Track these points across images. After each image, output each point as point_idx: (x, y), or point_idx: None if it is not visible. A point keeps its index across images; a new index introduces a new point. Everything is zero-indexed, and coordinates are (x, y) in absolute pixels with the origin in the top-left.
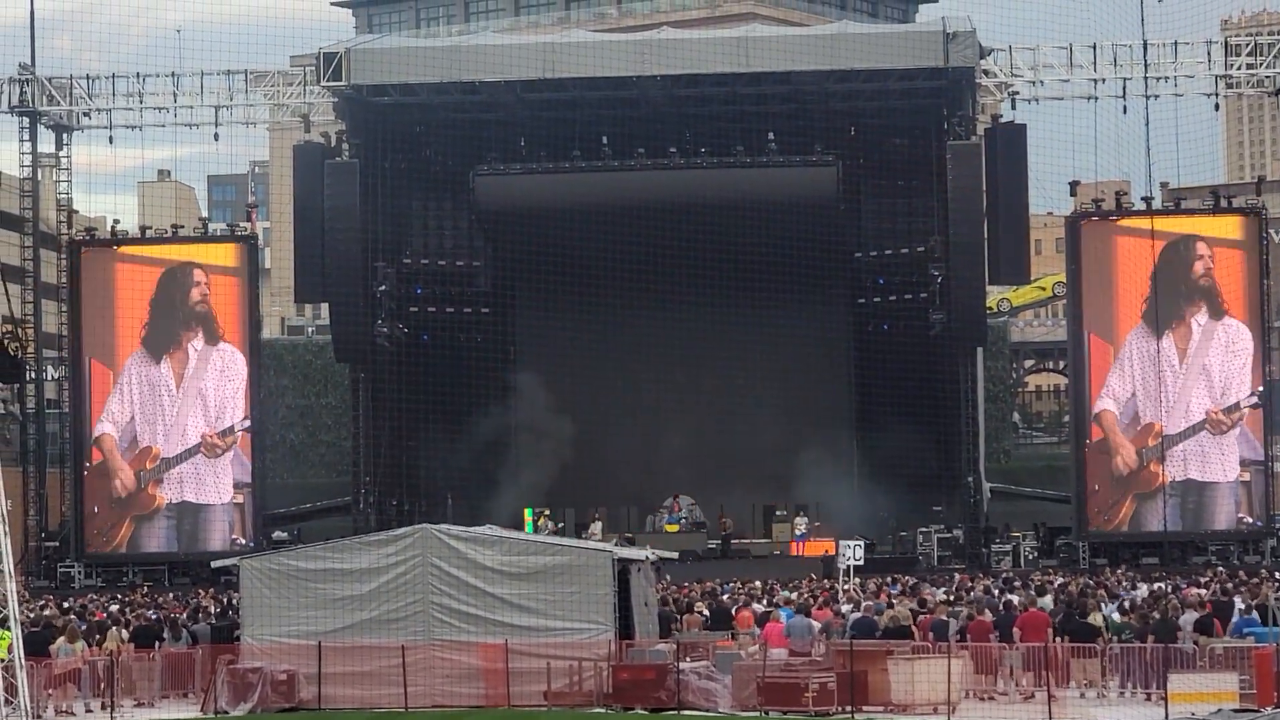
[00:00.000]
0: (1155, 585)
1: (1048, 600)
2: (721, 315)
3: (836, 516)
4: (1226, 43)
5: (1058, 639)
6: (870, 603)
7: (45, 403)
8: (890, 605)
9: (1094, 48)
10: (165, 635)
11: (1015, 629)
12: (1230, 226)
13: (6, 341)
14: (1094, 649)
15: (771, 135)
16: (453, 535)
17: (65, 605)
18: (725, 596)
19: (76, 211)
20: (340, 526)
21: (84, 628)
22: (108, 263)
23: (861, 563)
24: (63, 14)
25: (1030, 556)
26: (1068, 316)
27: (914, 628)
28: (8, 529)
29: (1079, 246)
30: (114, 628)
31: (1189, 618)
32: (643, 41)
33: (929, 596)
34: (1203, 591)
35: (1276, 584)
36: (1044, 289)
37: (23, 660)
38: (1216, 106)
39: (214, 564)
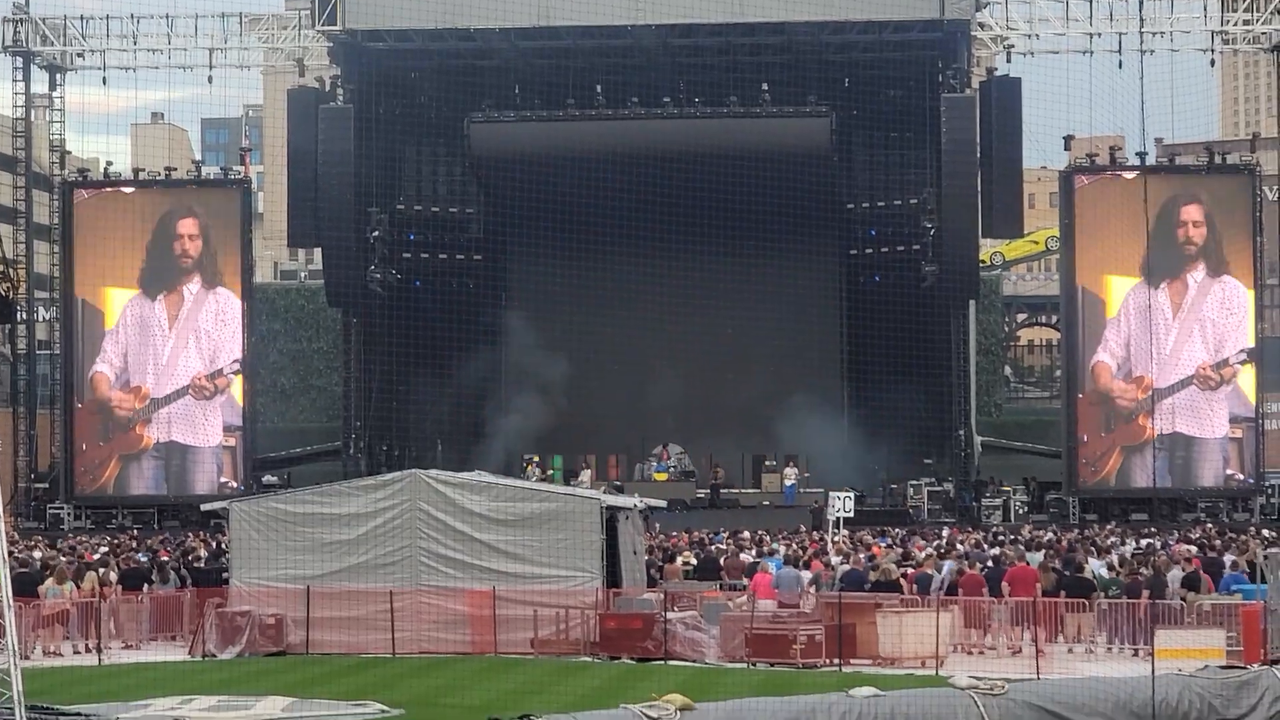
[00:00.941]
0: (1144, 541)
1: (1037, 555)
2: (713, 265)
3: (827, 468)
4: None
5: (1060, 593)
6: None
7: (36, 344)
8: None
9: (1090, 2)
10: (154, 578)
11: (1004, 583)
12: (1225, 183)
13: None
14: (1083, 604)
15: (765, 86)
16: (442, 481)
17: (56, 546)
18: (713, 548)
19: (69, 153)
20: (330, 471)
21: (74, 569)
22: (100, 204)
23: (851, 515)
24: None
25: (1020, 511)
26: (1060, 271)
27: (900, 580)
28: None
29: (1072, 201)
30: (91, 570)
31: (1176, 574)
32: None
33: (918, 550)
34: (1191, 548)
35: (1265, 541)
36: (1037, 243)
37: (10, 601)
38: (1212, 62)
39: (204, 507)
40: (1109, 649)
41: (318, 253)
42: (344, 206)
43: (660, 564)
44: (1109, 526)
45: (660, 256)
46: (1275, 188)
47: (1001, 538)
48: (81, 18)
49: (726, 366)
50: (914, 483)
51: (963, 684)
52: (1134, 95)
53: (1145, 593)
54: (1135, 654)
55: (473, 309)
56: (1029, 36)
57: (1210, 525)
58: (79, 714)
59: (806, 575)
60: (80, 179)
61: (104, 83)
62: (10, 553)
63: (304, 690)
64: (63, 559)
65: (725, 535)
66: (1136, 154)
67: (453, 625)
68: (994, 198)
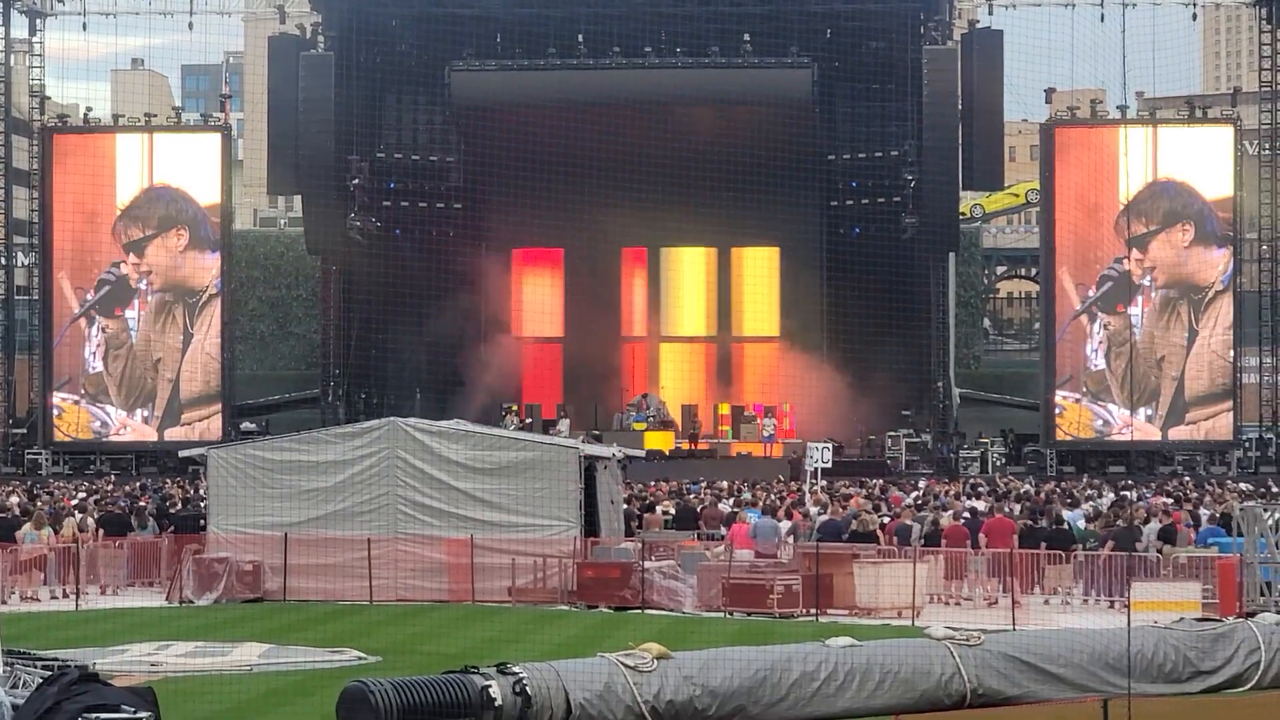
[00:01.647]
0: (1120, 493)
1: (1015, 507)
2: (694, 217)
3: (805, 419)
4: None
5: (1036, 543)
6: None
7: (15, 289)
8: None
9: None
10: (133, 524)
11: (981, 534)
12: (1205, 137)
13: None
14: (1059, 555)
15: (747, 36)
16: (421, 429)
17: (33, 493)
18: (692, 497)
19: (49, 98)
20: (308, 419)
21: (51, 514)
22: (80, 149)
23: (830, 465)
24: None
25: (998, 463)
26: (1040, 223)
27: (877, 531)
28: None
29: (1053, 154)
30: (69, 516)
31: (1153, 527)
32: None
33: (898, 500)
34: (1168, 501)
35: (1242, 495)
36: (1017, 195)
37: None
38: (1194, 16)
39: (182, 453)
40: (1085, 601)
41: (297, 200)
42: (324, 154)
43: (639, 513)
44: (1086, 479)
45: (641, 206)
46: (1256, 142)
47: (981, 489)
48: None
49: (709, 316)
50: (892, 434)
51: (939, 634)
52: (1115, 49)
53: (1110, 544)
54: (1111, 606)
55: (452, 257)
56: None
57: (1187, 478)
58: (55, 660)
59: (784, 525)
60: (60, 125)
61: (84, 28)
62: None
63: (281, 637)
64: (40, 504)
65: (703, 485)
66: (1118, 107)
67: (430, 573)
68: (975, 150)
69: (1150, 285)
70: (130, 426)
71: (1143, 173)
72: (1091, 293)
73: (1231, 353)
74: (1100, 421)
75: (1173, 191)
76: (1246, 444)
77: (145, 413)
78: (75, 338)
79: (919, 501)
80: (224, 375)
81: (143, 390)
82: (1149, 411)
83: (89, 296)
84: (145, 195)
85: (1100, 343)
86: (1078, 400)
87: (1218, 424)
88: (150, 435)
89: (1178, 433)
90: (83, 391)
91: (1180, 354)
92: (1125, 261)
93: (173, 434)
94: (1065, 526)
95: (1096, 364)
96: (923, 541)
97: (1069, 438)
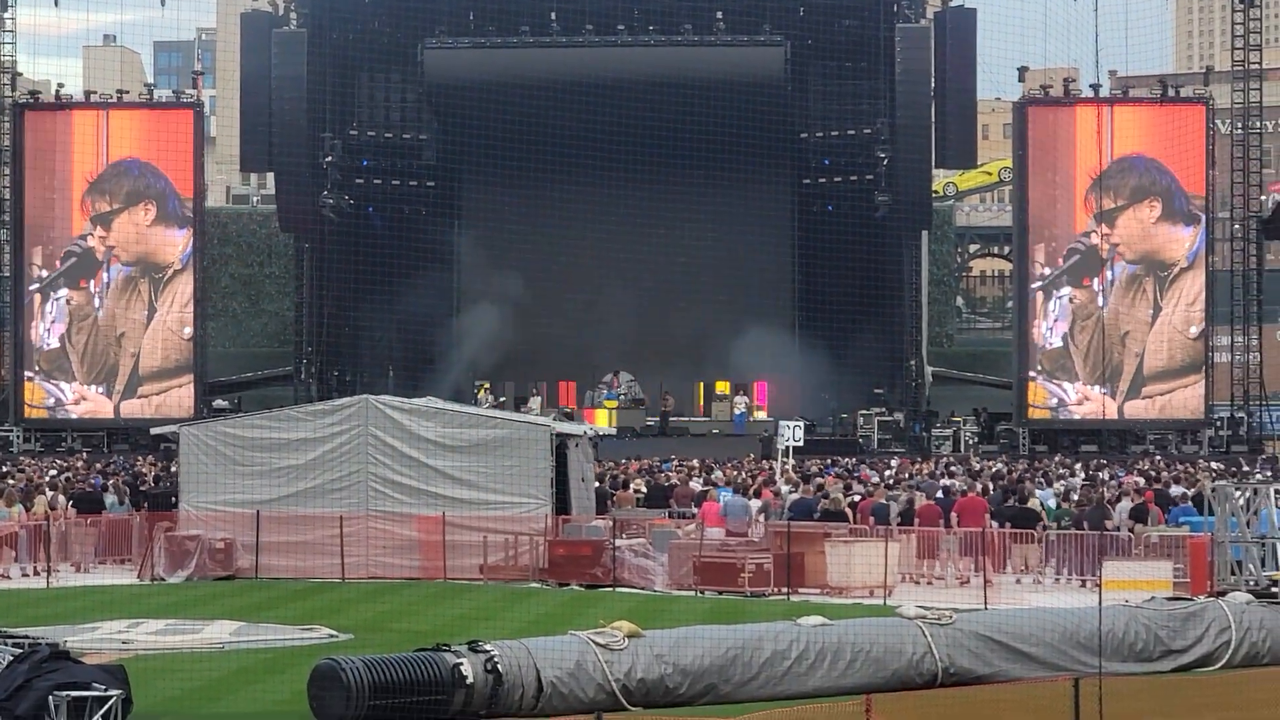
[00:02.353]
0: (1093, 472)
1: (987, 485)
2: (667, 194)
3: (777, 397)
4: None
5: (996, 524)
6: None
7: None
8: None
9: None
10: (107, 501)
11: (953, 513)
12: (1177, 116)
13: None
14: (1032, 535)
15: (720, 14)
16: (393, 407)
17: (4, 469)
18: (662, 474)
19: (20, 74)
20: (281, 396)
21: (21, 492)
22: (51, 126)
23: (801, 444)
24: None
25: (970, 442)
26: (1013, 202)
27: (846, 510)
28: None
29: (1026, 132)
30: (40, 494)
31: (1125, 506)
32: None
33: (867, 478)
34: (1139, 480)
35: (1213, 474)
36: (990, 174)
37: None
38: None
39: (154, 431)
40: (1057, 580)
41: (270, 177)
42: (297, 132)
43: (611, 491)
44: (1058, 458)
45: (613, 185)
46: (1228, 121)
47: (954, 468)
48: None
49: (678, 295)
50: (864, 412)
51: (910, 613)
52: (1089, 27)
53: (1085, 524)
54: (1083, 585)
55: (425, 236)
56: None
57: (1159, 457)
58: (27, 637)
59: (755, 504)
60: (31, 101)
61: (56, 4)
62: None
63: (252, 615)
64: (10, 481)
65: (675, 463)
66: (1090, 86)
67: (402, 550)
68: (948, 128)
69: (1117, 260)
70: (88, 399)
71: (1112, 149)
72: (1061, 264)
73: (1194, 329)
74: (1055, 400)
75: (1142, 167)
76: (1218, 423)
77: (102, 388)
78: (29, 315)
79: (891, 481)
80: (196, 353)
81: (105, 364)
82: (1105, 389)
83: (55, 268)
84: (113, 169)
85: (1056, 319)
86: (1033, 378)
87: (1173, 400)
88: (107, 409)
89: (1133, 408)
90: (37, 368)
91: (1144, 330)
92: (1093, 235)
93: (129, 408)
94: (1030, 506)
95: (1052, 342)
96: (898, 520)
97: (1041, 416)
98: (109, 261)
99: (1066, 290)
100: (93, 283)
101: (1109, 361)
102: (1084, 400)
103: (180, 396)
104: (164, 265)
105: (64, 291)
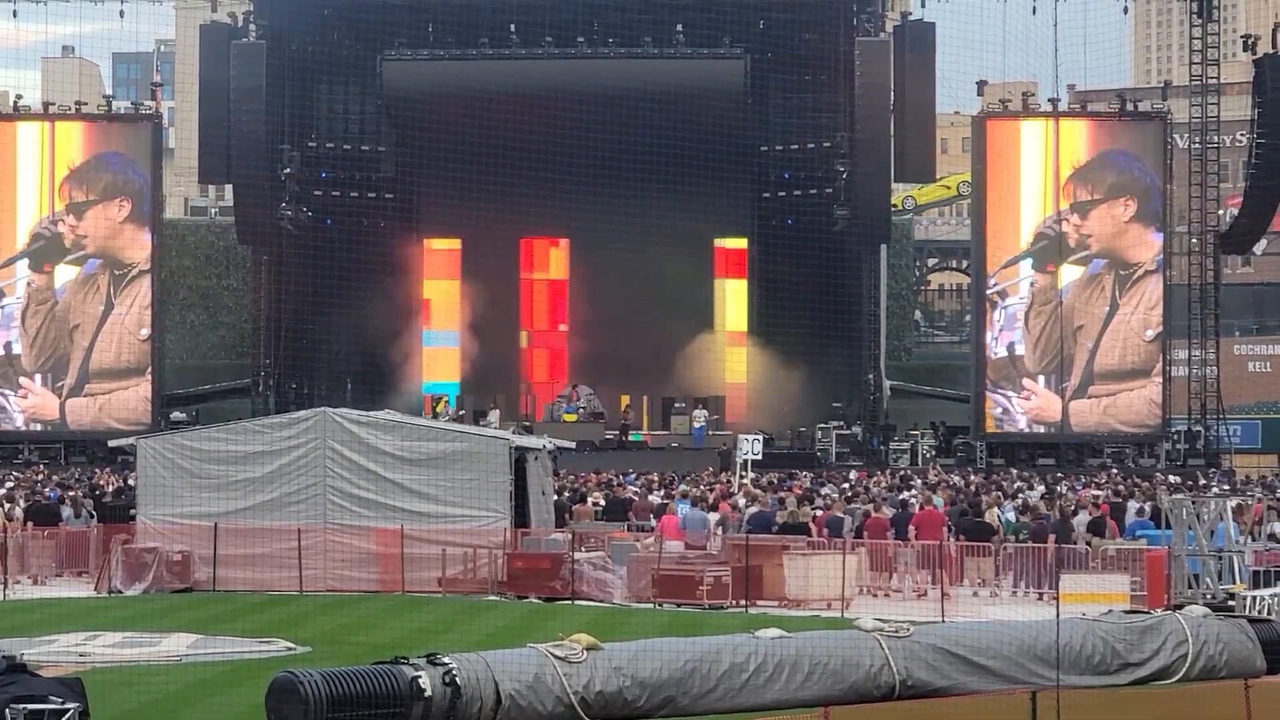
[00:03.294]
0: (1051, 486)
1: (943, 499)
2: (625, 206)
3: (735, 411)
4: None
5: (953, 537)
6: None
7: None
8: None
9: None
10: (65, 514)
11: (911, 526)
12: (1134, 131)
13: None
14: (988, 548)
15: (680, 27)
16: (351, 420)
17: None
18: (621, 488)
19: None
20: (239, 409)
21: None
22: (9, 137)
23: (760, 457)
24: None
25: (928, 455)
26: (971, 216)
27: (809, 523)
28: None
29: (985, 146)
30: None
31: (1082, 519)
32: None
33: (830, 493)
34: (1097, 493)
35: (1170, 488)
36: (949, 188)
37: None
38: (1125, 10)
39: (111, 443)
40: (1014, 593)
41: (229, 189)
42: (255, 143)
43: (570, 505)
44: (1016, 471)
45: (573, 196)
46: (1186, 135)
47: (912, 482)
48: None
49: (637, 309)
50: (823, 426)
51: (868, 626)
52: (1047, 41)
53: (1051, 537)
54: (1040, 598)
55: (384, 248)
56: None
57: (1116, 470)
58: None
59: (714, 517)
60: None
61: (14, 15)
62: None
63: (210, 627)
64: None
65: (635, 476)
66: (1049, 100)
67: (361, 563)
68: (907, 142)
69: (1083, 251)
70: (34, 394)
71: (1072, 165)
72: (1028, 247)
73: (1150, 332)
74: (999, 410)
75: (1123, 164)
76: (1175, 436)
77: (48, 380)
78: None
79: (849, 494)
80: (154, 358)
81: (55, 354)
82: (1052, 385)
83: (17, 251)
84: (97, 160)
85: (1001, 329)
86: (989, 391)
87: (1118, 401)
88: (53, 406)
89: (1078, 407)
90: None
91: (1098, 327)
92: (1064, 224)
93: (74, 405)
94: (983, 519)
95: (997, 352)
96: (852, 534)
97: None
98: (76, 250)
99: (1000, 303)
100: (57, 268)
101: (1064, 352)
102: (1030, 396)
103: (127, 398)
104: (128, 264)
105: (26, 273)
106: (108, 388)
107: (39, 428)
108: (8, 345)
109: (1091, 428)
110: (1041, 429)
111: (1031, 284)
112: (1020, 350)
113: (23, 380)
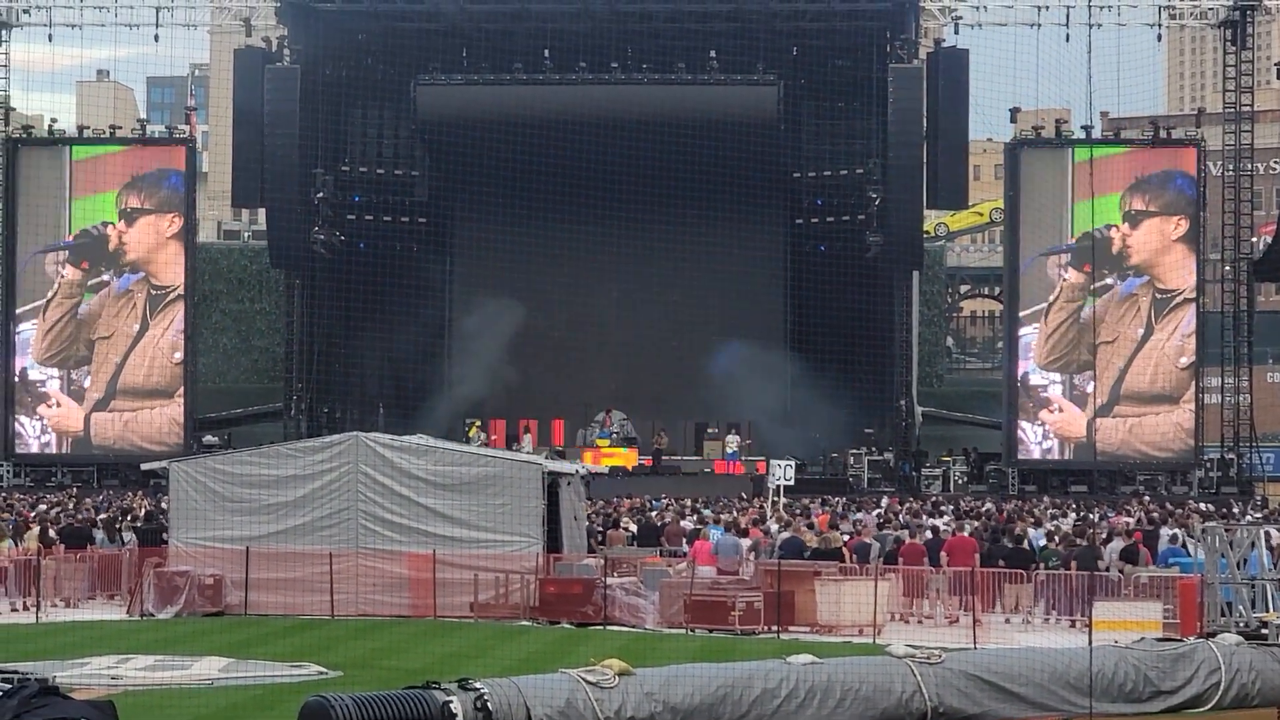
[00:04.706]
0: (1082, 513)
1: (976, 525)
2: (658, 232)
3: (768, 436)
4: None
5: (997, 561)
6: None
7: None
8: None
9: None
10: (98, 537)
11: (943, 553)
12: (1168, 158)
13: None
14: (1022, 574)
15: (713, 53)
16: (384, 444)
17: None
18: (654, 514)
19: (13, 109)
20: (271, 432)
21: (11, 527)
22: (44, 161)
23: (792, 483)
24: None
25: (960, 481)
26: (1004, 243)
27: (842, 548)
28: None
29: (1018, 173)
30: (31, 528)
31: (1115, 546)
32: None
33: (864, 518)
34: (1129, 520)
35: (1203, 515)
36: (981, 214)
37: None
38: (1159, 37)
39: (144, 466)
40: (1046, 620)
41: (262, 213)
42: (289, 167)
43: (602, 530)
44: (1048, 499)
45: (605, 223)
46: (1219, 163)
47: (943, 508)
48: None
49: (670, 334)
50: (854, 452)
51: (899, 652)
52: (1080, 69)
53: (1074, 564)
54: (1072, 625)
55: (417, 272)
56: (977, 8)
57: (1148, 498)
58: (15, 672)
59: (746, 542)
60: (25, 135)
61: (50, 39)
62: None
63: (242, 651)
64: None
65: (666, 501)
66: (1082, 127)
67: (392, 588)
68: (939, 169)
69: (1125, 263)
70: (60, 404)
71: (1109, 192)
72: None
73: (1184, 360)
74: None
75: (1183, 183)
76: (1208, 464)
77: (63, 381)
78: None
79: (880, 520)
80: (186, 381)
81: (68, 352)
82: (1069, 389)
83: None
84: (158, 173)
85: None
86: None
87: (1144, 424)
88: (77, 418)
89: (1102, 425)
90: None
91: (1130, 347)
92: (1113, 230)
93: (100, 419)
94: (1024, 546)
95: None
96: (883, 560)
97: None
98: (118, 258)
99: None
100: (95, 270)
101: (1074, 356)
102: (1057, 409)
103: (154, 418)
104: (165, 286)
105: (66, 267)
106: (135, 406)
107: (58, 442)
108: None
109: (1116, 447)
110: (1058, 445)
111: (1063, 279)
112: (1030, 353)
113: (43, 390)
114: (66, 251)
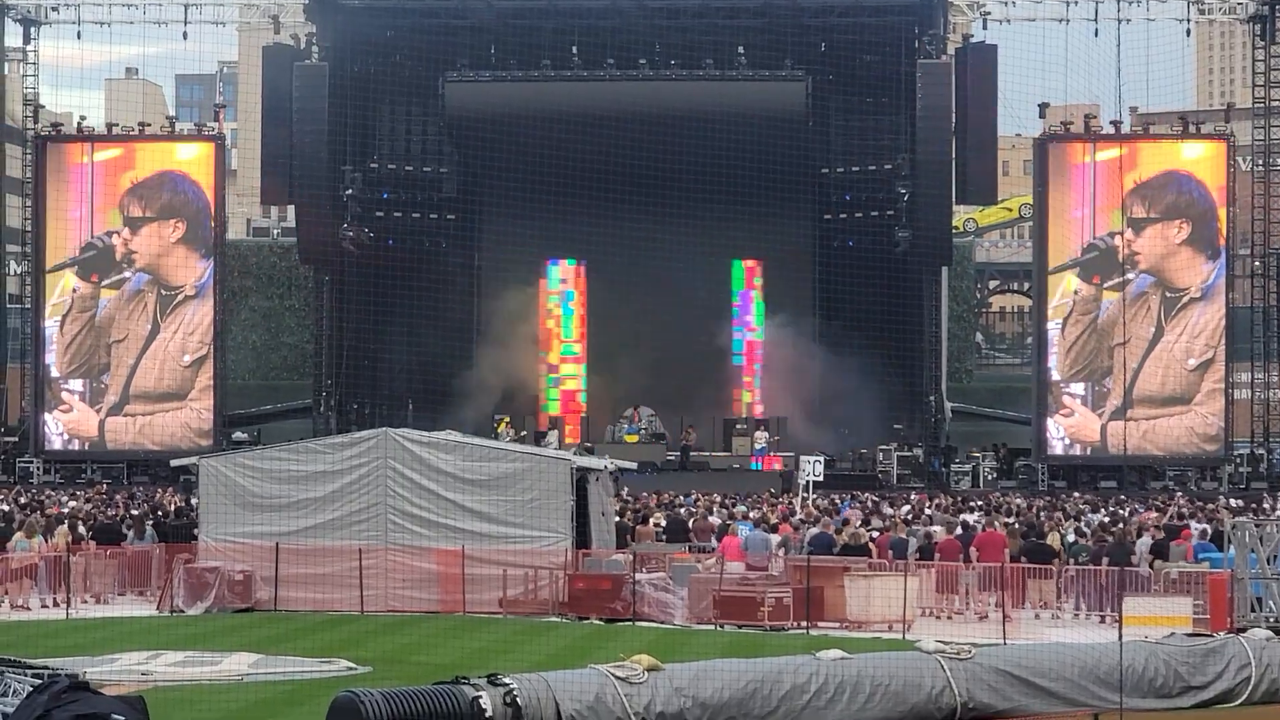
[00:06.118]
0: (1112, 509)
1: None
2: (687, 228)
3: (797, 432)
4: None
5: (1018, 559)
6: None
7: (8, 297)
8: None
9: None
10: (128, 533)
11: (972, 548)
12: (1198, 153)
13: None
14: (1050, 570)
15: (741, 49)
16: (413, 440)
17: (19, 501)
18: (682, 510)
19: (43, 107)
20: (300, 428)
21: (43, 524)
22: (73, 159)
23: (821, 479)
24: None
25: (989, 477)
26: (1033, 238)
27: (872, 545)
28: None
29: (1046, 169)
30: (63, 524)
31: (1145, 542)
32: None
33: (892, 512)
34: (1159, 516)
35: (1233, 511)
36: (1010, 210)
37: None
38: (1188, 32)
39: (173, 463)
40: (1076, 615)
41: (291, 210)
42: (318, 164)
43: (632, 525)
44: (1078, 495)
45: (634, 218)
46: (1249, 157)
47: (973, 504)
48: None
49: (699, 330)
50: (884, 448)
51: (929, 648)
52: (1109, 64)
53: (1105, 560)
54: (1102, 620)
55: (445, 268)
56: (1005, 4)
57: (1179, 494)
58: (46, 668)
59: (775, 538)
60: (53, 133)
61: (78, 37)
62: None
63: (271, 647)
64: (33, 514)
65: (696, 497)
66: (1111, 122)
67: (421, 584)
68: (968, 164)
69: (1132, 269)
70: (73, 408)
71: (1138, 188)
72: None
73: (1192, 361)
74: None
75: (1183, 185)
76: (1237, 459)
77: (84, 391)
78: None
79: (909, 516)
80: (216, 384)
81: (89, 362)
82: (1089, 397)
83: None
84: (159, 178)
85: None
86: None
87: (1156, 427)
88: (91, 423)
89: (1116, 428)
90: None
91: (1141, 347)
92: (1116, 238)
93: (113, 424)
94: (1048, 542)
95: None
96: (916, 555)
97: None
98: (125, 264)
99: (1076, 286)
100: (104, 280)
101: (1095, 364)
102: (1071, 414)
103: (166, 422)
104: (176, 286)
105: (74, 280)
106: (148, 409)
107: (77, 445)
108: (47, 367)
109: (1130, 453)
110: (1078, 449)
111: (1076, 292)
112: (1053, 361)
113: (64, 394)
114: (75, 267)
